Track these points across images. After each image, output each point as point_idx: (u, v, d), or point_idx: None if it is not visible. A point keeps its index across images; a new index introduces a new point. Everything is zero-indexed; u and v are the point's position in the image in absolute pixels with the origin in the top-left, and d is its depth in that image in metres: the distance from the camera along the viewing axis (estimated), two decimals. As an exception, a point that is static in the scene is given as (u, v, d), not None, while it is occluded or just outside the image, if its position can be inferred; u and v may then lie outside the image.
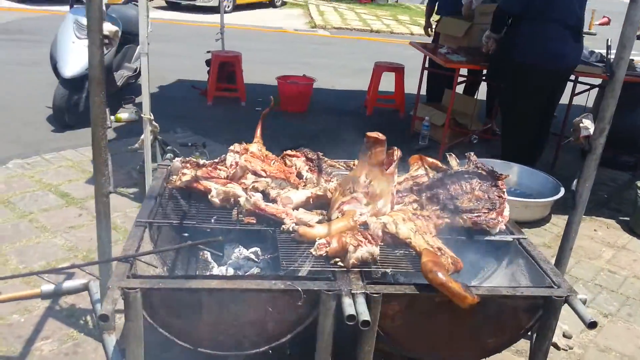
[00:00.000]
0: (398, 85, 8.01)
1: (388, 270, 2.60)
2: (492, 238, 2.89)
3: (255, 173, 3.10)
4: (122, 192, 4.91)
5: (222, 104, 7.73)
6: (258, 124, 3.45)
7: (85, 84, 6.43)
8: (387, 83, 8.17)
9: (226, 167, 3.18)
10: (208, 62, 7.93)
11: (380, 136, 2.88)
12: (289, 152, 3.42)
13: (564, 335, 3.22)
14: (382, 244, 2.66)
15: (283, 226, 2.73)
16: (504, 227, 2.95)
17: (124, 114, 6.86)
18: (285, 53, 11.33)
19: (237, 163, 3.11)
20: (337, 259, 2.52)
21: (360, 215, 2.86)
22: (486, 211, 2.90)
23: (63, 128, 6.36)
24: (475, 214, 2.89)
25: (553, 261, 2.98)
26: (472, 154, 3.31)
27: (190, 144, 5.15)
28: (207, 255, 3.11)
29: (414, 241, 2.60)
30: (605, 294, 3.76)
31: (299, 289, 2.33)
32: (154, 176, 3.37)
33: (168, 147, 4.88)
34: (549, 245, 4.45)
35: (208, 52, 7.83)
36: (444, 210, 2.96)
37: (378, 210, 2.89)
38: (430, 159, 3.65)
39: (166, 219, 2.93)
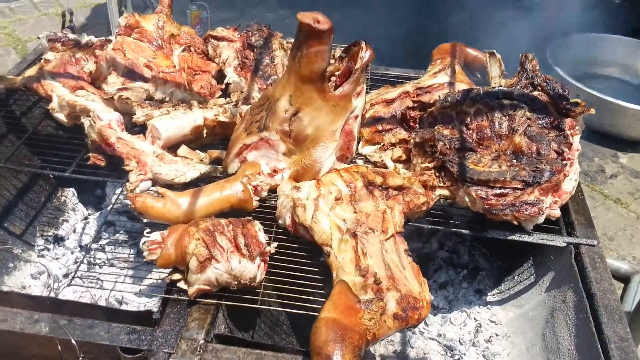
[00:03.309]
0: None
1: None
2: (526, 239, 1.48)
3: (132, 71, 1.82)
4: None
5: None
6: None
7: None
8: None
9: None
10: None
11: (321, 22, 1.44)
12: (217, 31, 2.04)
13: None
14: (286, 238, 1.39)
15: (127, 184, 1.53)
16: (558, 212, 1.50)
17: None
18: None
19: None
20: (178, 276, 1.32)
21: (272, 173, 1.55)
22: (520, 187, 1.45)
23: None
24: (497, 190, 1.47)
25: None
26: (530, 55, 1.76)
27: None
28: (67, 195, 2.02)
29: (334, 254, 1.29)
30: None
31: (73, 340, 1.20)
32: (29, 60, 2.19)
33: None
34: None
35: None
36: (441, 172, 1.55)
37: (306, 166, 1.55)
38: (473, 52, 2.12)
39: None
